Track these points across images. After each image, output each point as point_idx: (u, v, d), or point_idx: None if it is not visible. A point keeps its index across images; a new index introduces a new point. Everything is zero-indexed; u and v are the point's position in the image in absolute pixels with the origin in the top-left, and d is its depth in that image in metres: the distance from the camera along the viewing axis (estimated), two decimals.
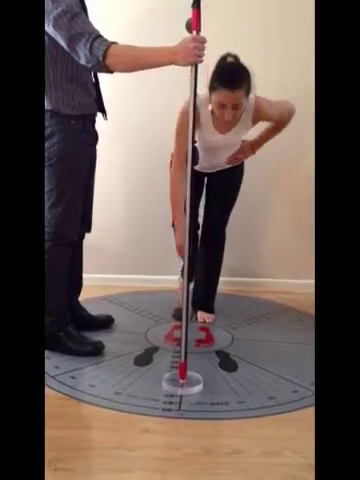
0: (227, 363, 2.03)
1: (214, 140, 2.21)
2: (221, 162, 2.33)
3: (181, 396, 1.75)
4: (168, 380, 1.82)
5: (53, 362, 1.98)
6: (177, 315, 2.39)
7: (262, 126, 2.30)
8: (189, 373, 1.81)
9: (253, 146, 2.35)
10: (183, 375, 1.79)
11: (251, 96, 2.11)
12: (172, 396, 1.75)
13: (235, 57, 2.06)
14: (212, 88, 2.03)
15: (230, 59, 2.05)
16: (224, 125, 2.18)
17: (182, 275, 2.44)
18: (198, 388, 1.79)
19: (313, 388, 1.80)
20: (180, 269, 2.48)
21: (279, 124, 2.28)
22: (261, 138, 2.35)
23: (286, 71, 2.70)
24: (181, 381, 1.79)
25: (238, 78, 2.00)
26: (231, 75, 2.01)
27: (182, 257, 2.02)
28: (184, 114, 1.98)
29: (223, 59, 2.06)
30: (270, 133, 2.33)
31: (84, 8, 1.87)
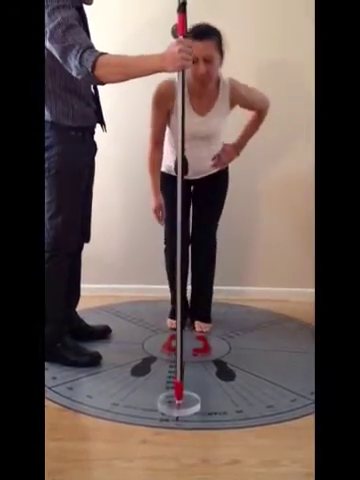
0: (225, 372, 2.02)
1: (193, 124, 2.14)
2: (204, 163, 2.31)
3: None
4: (164, 401, 1.75)
5: (50, 373, 1.97)
6: (173, 315, 2.40)
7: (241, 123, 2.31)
8: (186, 393, 1.75)
9: (236, 147, 2.36)
10: (179, 396, 1.73)
11: (226, 78, 2.20)
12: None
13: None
14: None
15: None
16: (202, 104, 2.20)
17: (171, 316, 2.48)
18: (195, 409, 1.72)
19: (311, 397, 1.80)
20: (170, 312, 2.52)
21: (257, 116, 2.31)
22: (242, 138, 2.36)
23: (285, 73, 2.72)
24: (177, 402, 1.73)
25: (207, 30, 2.07)
26: (200, 28, 2.06)
27: (160, 222, 2.36)
28: (162, 88, 2.13)
29: None
30: (249, 130, 2.34)
31: (84, 19, 1.88)
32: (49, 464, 1.34)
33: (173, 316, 2.46)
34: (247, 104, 2.28)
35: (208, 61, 2.07)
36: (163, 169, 2.33)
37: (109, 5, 2.62)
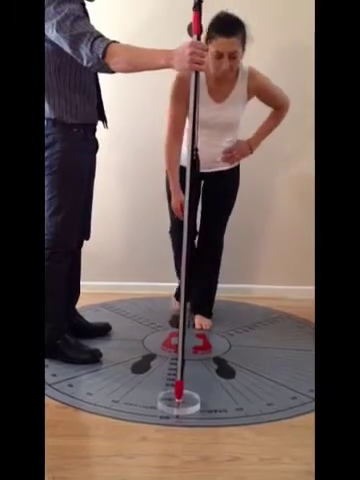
0: (225, 370, 2.03)
1: (209, 110, 2.15)
2: (217, 153, 2.28)
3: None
4: (163, 399, 1.75)
5: (51, 370, 1.97)
6: (174, 322, 2.39)
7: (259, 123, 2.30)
8: (186, 392, 1.75)
9: (250, 144, 2.33)
10: (179, 394, 1.72)
11: (245, 65, 2.18)
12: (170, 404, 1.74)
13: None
14: (209, 38, 2.08)
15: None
16: (219, 91, 2.19)
17: (177, 298, 2.48)
18: (194, 408, 1.71)
19: (311, 394, 1.80)
20: (175, 291, 2.55)
21: (275, 115, 2.30)
22: (257, 135, 2.34)
23: (286, 74, 2.71)
24: (177, 400, 1.72)
25: (233, 25, 2.05)
26: (226, 23, 2.06)
27: (181, 220, 2.08)
28: (182, 79, 2.05)
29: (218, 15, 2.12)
30: (265, 128, 2.33)
31: (86, 15, 1.88)
32: (49, 461, 1.34)
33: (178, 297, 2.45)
34: (266, 95, 2.26)
35: (232, 57, 2.08)
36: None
37: (109, 2, 2.62)
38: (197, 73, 1.59)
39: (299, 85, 2.64)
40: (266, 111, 2.31)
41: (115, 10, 2.65)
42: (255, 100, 2.29)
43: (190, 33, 1.56)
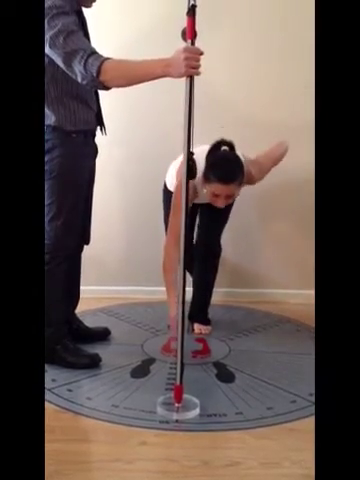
0: (224, 374, 2.02)
1: (202, 196, 2.19)
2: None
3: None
4: (163, 404, 1.74)
5: (50, 375, 1.97)
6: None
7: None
8: (185, 396, 1.74)
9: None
10: (179, 398, 1.71)
11: (243, 159, 2.10)
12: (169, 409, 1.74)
13: (229, 144, 2.06)
14: (206, 179, 2.03)
15: (224, 147, 2.05)
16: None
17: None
18: (194, 413, 1.71)
19: (311, 398, 1.80)
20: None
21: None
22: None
23: (285, 85, 2.73)
24: (176, 405, 1.71)
25: (232, 173, 2.01)
26: (225, 170, 2.02)
27: (172, 330, 1.95)
28: (180, 191, 1.86)
29: (217, 147, 2.06)
30: None
31: (83, 23, 1.89)
32: (48, 466, 1.34)
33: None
34: (258, 180, 2.26)
35: (229, 197, 2.06)
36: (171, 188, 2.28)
37: (107, 9, 2.62)
38: (192, 77, 1.59)
39: (300, 85, 2.66)
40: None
41: (114, 17, 2.66)
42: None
43: (184, 38, 1.57)
